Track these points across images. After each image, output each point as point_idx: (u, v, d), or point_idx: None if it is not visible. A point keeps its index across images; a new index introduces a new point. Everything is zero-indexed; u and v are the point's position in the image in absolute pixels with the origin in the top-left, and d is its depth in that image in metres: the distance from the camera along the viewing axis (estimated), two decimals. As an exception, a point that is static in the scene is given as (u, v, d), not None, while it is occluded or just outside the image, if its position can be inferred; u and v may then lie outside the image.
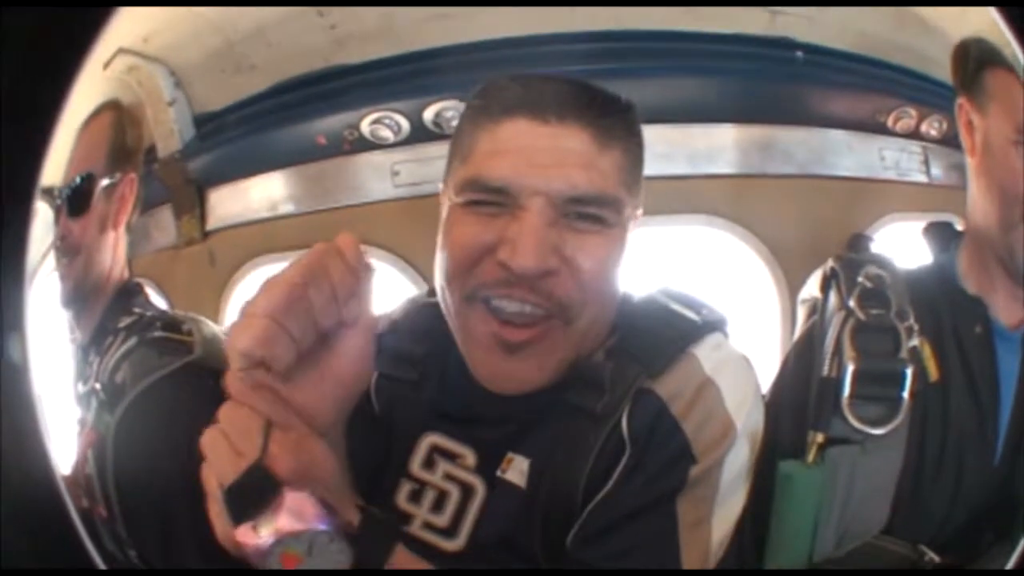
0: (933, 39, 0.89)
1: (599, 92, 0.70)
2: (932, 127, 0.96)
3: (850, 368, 0.76)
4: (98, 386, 0.89)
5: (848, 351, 0.77)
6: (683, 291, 0.76)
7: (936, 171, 0.96)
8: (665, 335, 0.73)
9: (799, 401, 0.79)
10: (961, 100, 0.80)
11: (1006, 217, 0.76)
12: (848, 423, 0.76)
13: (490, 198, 0.68)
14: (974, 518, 0.78)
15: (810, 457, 0.77)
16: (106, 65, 0.93)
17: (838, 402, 0.76)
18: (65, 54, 0.81)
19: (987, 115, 0.77)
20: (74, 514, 0.77)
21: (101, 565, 0.77)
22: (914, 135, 0.95)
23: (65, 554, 0.74)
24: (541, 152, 0.66)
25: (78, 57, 0.82)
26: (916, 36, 0.93)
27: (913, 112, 0.95)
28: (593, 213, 0.68)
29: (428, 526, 0.77)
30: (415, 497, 0.78)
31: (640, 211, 0.75)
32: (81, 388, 0.93)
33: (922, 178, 0.96)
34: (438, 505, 0.77)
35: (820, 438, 0.77)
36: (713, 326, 0.74)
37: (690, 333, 0.73)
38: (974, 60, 0.79)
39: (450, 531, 0.76)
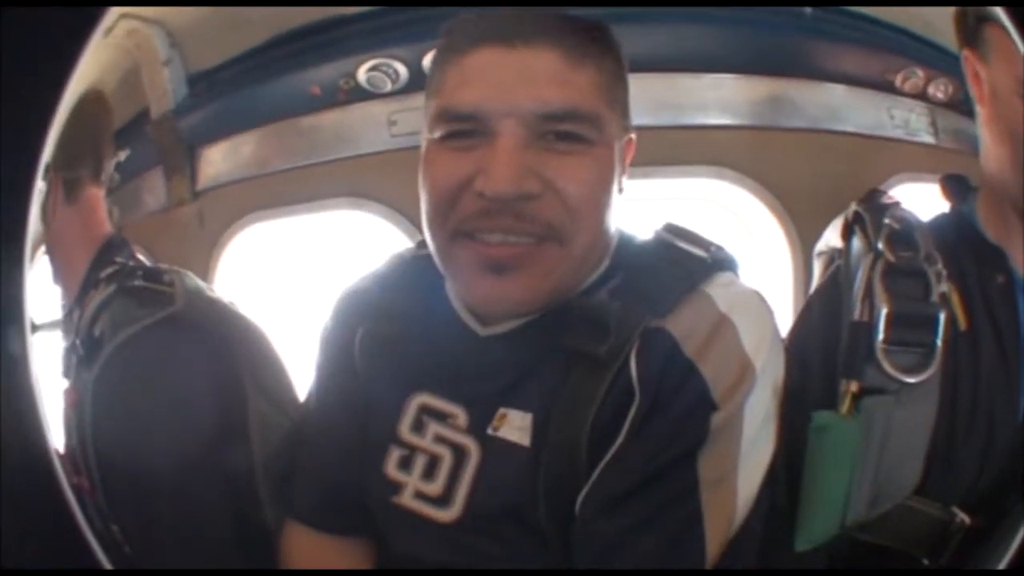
0: (937, 8, 0.83)
1: (567, 16, 0.62)
2: (939, 90, 0.88)
3: (883, 311, 0.67)
4: (78, 342, 0.79)
5: (880, 293, 0.68)
6: (689, 228, 0.67)
7: (943, 133, 0.88)
8: (673, 272, 0.63)
9: (828, 350, 0.70)
10: (965, 52, 0.76)
11: (1018, 159, 0.72)
12: (883, 370, 0.67)
13: (462, 127, 0.60)
14: (1000, 477, 0.70)
15: (844, 408, 0.67)
16: (108, 32, 0.86)
17: (871, 348, 0.67)
18: (73, 33, 0.75)
19: (991, 65, 0.73)
20: (72, 501, 0.71)
21: (99, 551, 0.72)
22: (921, 96, 0.88)
23: (64, 543, 0.70)
24: (509, 75, 0.59)
25: (86, 35, 0.76)
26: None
27: (920, 73, 0.87)
28: (571, 131, 0.60)
29: (420, 495, 0.67)
30: (405, 464, 0.68)
31: (632, 135, 0.66)
32: (64, 348, 0.83)
33: (930, 139, 0.88)
34: (429, 471, 0.67)
35: (854, 387, 0.67)
36: (723, 264, 0.65)
37: (700, 271, 0.63)
38: (973, 15, 0.75)
39: (444, 499, 0.66)
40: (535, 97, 0.59)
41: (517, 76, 0.59)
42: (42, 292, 0.82)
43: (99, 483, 0.77)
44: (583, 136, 0.61)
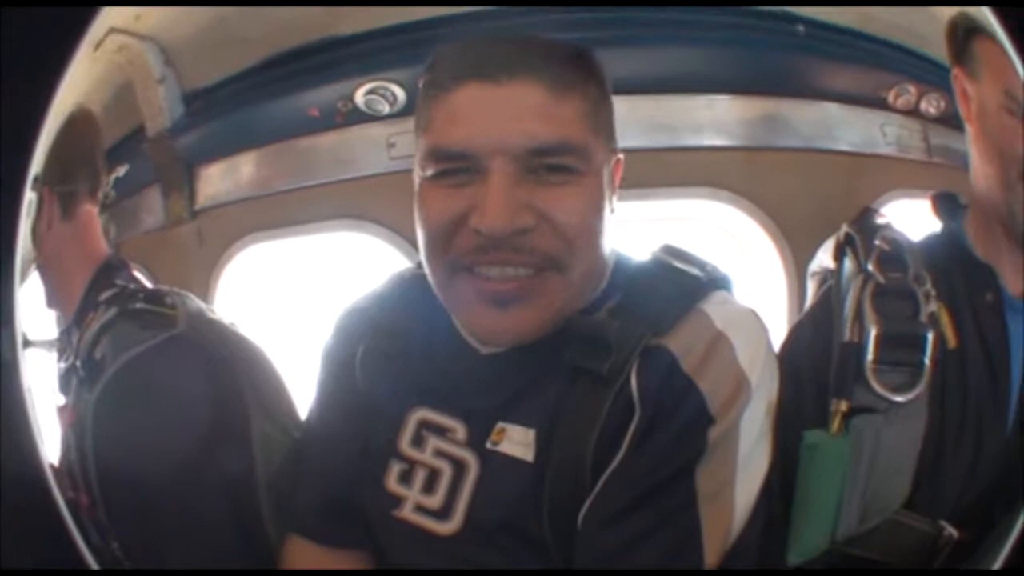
0: (929, 20, 0.83)
1: (548, 44, 0.63)
2: (931, 105, 0.89)
3: (872, 332, 0.68)
4: (78, 363, 0.79)
5: (869, 315, 0.69)
6: (685, 249, 0.68)
7: (936, 150, 0.89)
8: (670, 292, 0.65)
9: (819, 369, 0.71)
10: (955, 71, 0.76)
11: (1005, 178, 0.72)
12: (872, 390, 0.68)
13: (453, 166, 0.61)
14: (986, 491, 0.71)
15: (834, 426, 0.68)
16: (97, 46, 0.85)
17: (861, 368, 0.68)
18: (58, 45, 0.74)
19: (980, 82, 0.74)
20: (65, 511, 0.71)
21: (90, 560, 0.71)
22: (913, 112, 0.88)
23: (55, 549, 0.69)
24: (496, 112, 0.60)
25: (71, 47, 0.75)
26: (913, 16, 0.87)
27: (912, 89, 0.88)
28: (561, 163, 0.61)
29: (420, 508, 0.68)
30: (405, 477, 0.69)
31: (619, 155, 0.66)
32: (62, 367, 0.82)
33: (922, 156, 0.88)
34: (430, 485, 0.68)
35: (844, 406, 0.68)
36: (718, 283, 0.66)
37: (696, 289, 0.65)
38: (963, 30, 0.76)
39: (443, 512, 0.67)
40: (523, 133, 0.60)
41: (505, 113, 0.60)
42: (34, 310, 0.82)
43: (100, 502, 0.77)
44: (572, 167, 0.61)
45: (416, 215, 0.64)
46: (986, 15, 0.73)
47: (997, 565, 0.69)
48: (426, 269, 0.65)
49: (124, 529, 0.78)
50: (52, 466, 0.77)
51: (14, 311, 0.72)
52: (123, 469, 0.77)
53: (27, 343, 0.77)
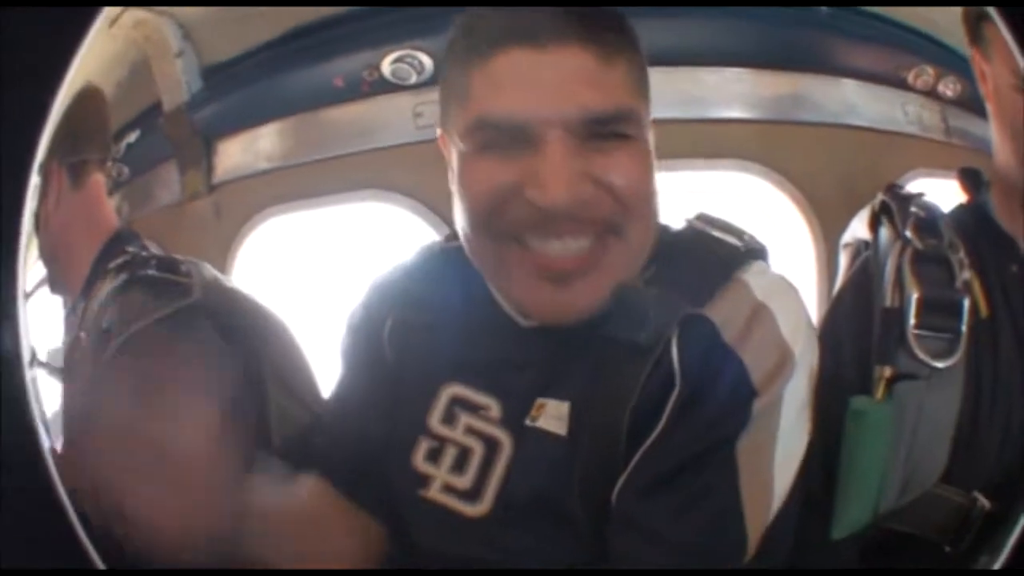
0: (945, 9, 0.85)
1: (589, 10, 0.60)
2: (948, 88, 0.90)
3: (914, 296, 0.68)
4: (83, 335, 0.74)
5: (910, 279, 0.69)
6: (721, 217, 0.66)
7: (954, 131, 0.90)
8: (709, 261, 0.63)
9: (860, 338, 0.70)
10: (973, 52, 0.78)
11: (1021, 153, 0.74)
12: (914, 355, 0.68)
13: (501, 137, 0.58)
14: (1015, 464, 0.71)
15: (879, 393, 0.68)
16: (113, 23, 0.83)
17: (903, 333, 0.68)
18: (70, 27, 0.72)
19: (992, 62, 0.76)
20: (70, 509, 0.69)
21: (94, 557, 0.69)
22: (932, 94, 0.89)
23: (57, 545, 0.68)
24: (545, 80, 0.57)
25: (78, 34, 0.74)
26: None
27: (931, 71, 0.89)
28: (614, 130, 0.59)
29: (448, 488, 0.65)
30: (434, 456, 0.66)
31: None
32: (67, 342, 0.77)
33: (941, 136, 0.89)
34: (459, 464, 0.65)
35: (888, 372, 0.68)
36: (756, 253, 0.64)
37: (735, 258, 0.63)
38: (974, 15, 0.78)
39: (473, 493, 0.64)
40: (577, 103, 0.57)
41: (554, 81, 0.57)
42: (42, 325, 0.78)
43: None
44: (625, 133, 0.60)
45: (458, 188, 0.61)
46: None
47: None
48: (469, 244, 0.63)
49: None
50: (56, 454, 0.73)
51: (16, 304, 0.70)
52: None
53: (34, 359, 0.73)
